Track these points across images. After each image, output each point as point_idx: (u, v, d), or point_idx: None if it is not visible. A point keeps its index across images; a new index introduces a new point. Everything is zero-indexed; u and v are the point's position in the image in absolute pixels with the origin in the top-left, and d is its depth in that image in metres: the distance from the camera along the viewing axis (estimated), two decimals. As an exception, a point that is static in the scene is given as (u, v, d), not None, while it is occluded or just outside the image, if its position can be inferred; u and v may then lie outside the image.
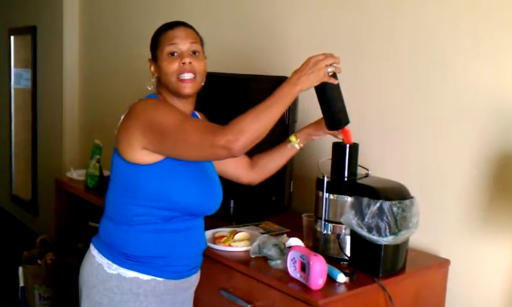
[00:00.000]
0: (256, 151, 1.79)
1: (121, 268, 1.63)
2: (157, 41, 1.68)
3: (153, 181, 1.60)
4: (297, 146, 1.88)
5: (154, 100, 1.65)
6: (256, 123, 1.46)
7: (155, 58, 1.68)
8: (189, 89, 1.64)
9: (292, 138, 1.88)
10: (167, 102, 1.67)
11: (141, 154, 1.58)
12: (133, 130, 1.58)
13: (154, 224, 1.63)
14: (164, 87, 1.68)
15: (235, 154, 1.47)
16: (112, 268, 1.64)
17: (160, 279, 1.65)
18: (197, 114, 1.82)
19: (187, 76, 1.63)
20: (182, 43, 1.65)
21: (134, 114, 1.61)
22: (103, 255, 1.66)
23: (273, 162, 1.91)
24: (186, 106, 1.69)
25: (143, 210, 1.61)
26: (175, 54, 1.64)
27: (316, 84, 1.57)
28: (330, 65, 1.58)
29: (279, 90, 1.52)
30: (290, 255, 1.65)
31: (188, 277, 1.73)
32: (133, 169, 1.60)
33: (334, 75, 1.61)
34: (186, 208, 1.65)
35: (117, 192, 1.67)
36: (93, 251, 1.71)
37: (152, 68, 1.70)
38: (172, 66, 1.63)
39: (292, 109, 2.14)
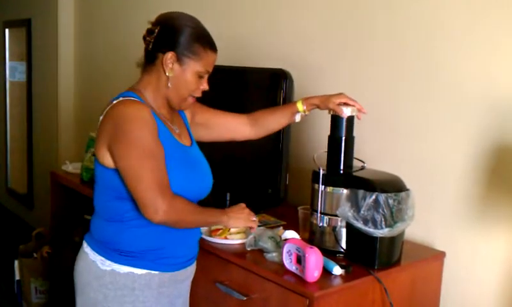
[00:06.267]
0: (256, 108, 1.92)
1: (114, 264, 1.62)
2: (196, 51, 1.62)
3: None
4: (302, 113, 1.87)
5: (133, 113, 1.56)
6: (187, 219, 1.62)
7: (180, 60, 1.61)
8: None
9: (299, 104, 1.86)
10: (146, 109, 1.58)
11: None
12: (108, 137, 1.57)
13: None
14: (163, 89, 1.65)
15: (154, 220, 1.53)
16: (106, 265, 1.63)
17: (155, 272, 1.64)
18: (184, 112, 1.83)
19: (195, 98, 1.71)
20: (211, 70, 1.69)
21: (111, 121, 1.57)
22: (96, 252, 1.65)
23: (276, 122, 1.92)
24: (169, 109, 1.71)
25: (133, 205, 1.59)
26: (203, 77, 1.67)
27: (241, 226, 1.80)
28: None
29: (215, 214, 1.73)
30: (286, 248, 1.66)
31: (183, 269, 1.72)
32: (114, 172, 1.58)
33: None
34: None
35: (103, 194, 1.65)
36: (86, 248, 1.70)
37: (172, 66, 1.62)
38: (194, 85, 1.66)
39: (288, 94, 2.15)
